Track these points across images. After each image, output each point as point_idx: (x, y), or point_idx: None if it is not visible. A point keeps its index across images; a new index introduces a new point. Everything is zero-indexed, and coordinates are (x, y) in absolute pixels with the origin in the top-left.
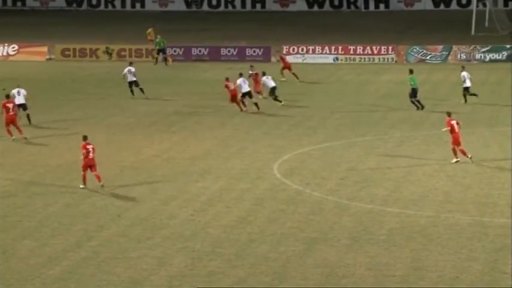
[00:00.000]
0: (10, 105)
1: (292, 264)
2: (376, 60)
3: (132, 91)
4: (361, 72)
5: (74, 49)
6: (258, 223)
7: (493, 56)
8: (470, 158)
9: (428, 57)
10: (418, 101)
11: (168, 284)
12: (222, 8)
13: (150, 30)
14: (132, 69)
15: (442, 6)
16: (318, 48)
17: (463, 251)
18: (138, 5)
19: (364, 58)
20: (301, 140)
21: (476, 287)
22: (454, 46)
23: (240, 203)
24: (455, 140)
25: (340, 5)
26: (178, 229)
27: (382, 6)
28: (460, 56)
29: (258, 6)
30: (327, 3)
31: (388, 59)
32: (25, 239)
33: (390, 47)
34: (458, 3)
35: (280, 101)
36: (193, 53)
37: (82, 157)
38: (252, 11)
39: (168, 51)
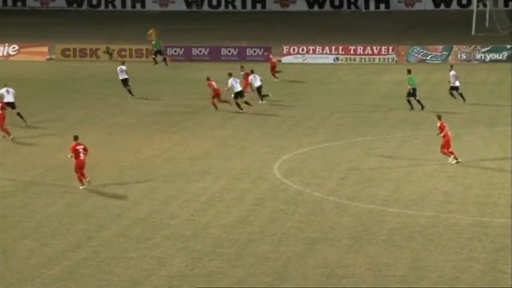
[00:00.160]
0: None
1: (293, 264)
2: (377, 61)
3: (129, 91)
4: (361, 73)
5: (74, 49)
6: (258, 223)
7: (493, 56)
8: (457, 160)
9: (428, 58)
10: (419, 101)
11: (168, 284)
12: (222, 8)
13: (151, 30)
14: (124, 67)
15: (442, 7)
16: (318, 48)
17: (463, 251)
18: (138, 5)
19: (365, 58)
20: (302, 140)
21: (477, 287)
22: (454, 46)
23: (241, 203)
24: (447, 143)
25: (341, 5)
26: (179, 229)
27: (382, 7)
28: (461, 56)
29: (259, 6)
30: (327, 3)
31: (388, 59)
32: (25, 239)
33: (390, 47)
34: (459, 3)
35: (264, 96)
36: (193, 53)
37: (72, 158)
38: (253, 11)
39: (168, 51)
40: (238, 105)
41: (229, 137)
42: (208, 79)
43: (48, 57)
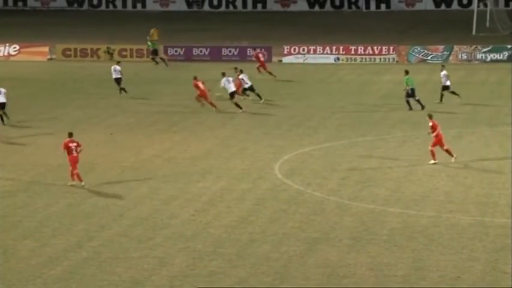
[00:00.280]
0: None
1: (294, 264)
2: (377, 61)
3: (123, 89)
4: (362, 73)
5: (75, 49)
6: (259, 223)
7: (494, 56)
8: (435, 163)
9: (429, 58)
10: (418, 101)
11: (169, 284)
12: (223, 8)
13: (152, 30)
14: (118, 67)
15: (443, 7)
16: (319, 48)
17: (464, 251)
18: (139, 5)
19: (365, 58)
20: (302, 140)
21: (478, 287)
22: (455, 46)
23: (241, 203)
24: (439, 141)
25: (341, 5)
26: (180, 229)
27: (383, 7)
28: (461, 56)
29: (259, 6)
30: (328, 3)
31: (389, 59)
32: (26, 239)
33: (391, 47)
34: (459, 3)
35: (248, 96)
36: (194, 53)
37: (63, 152)
38: (253, 11)
39: (168, 51)
40: (237, 104)
41: (229, 137)
42: (195, 78)
43: (49, 57)
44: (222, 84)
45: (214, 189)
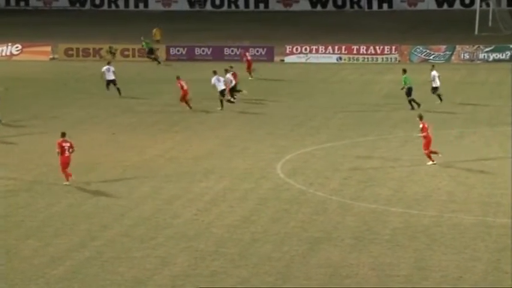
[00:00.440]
0: None
1: (296, 264)
2: (380, 60)
3: (108, 88)
4: (364, 72)
5: (77, 49)
6: (261, 223)
7: (496, 55)
8: (433, 163)
9: (431, 57)
10: (413, 100)
11: (171, 284)
12: (225, 7)
13: (155, 30)
14: (112, 68)
15: (445, 6)
16: (321, 48)
17: (467, 251)
18: (141, 5)
19: (368, 58)
20: (304, 140)
21: (480, 287)
22: (457, 46)
23: (244, 203)
24: (428, 143)
25: (344, 4)
26: (182, 229)
27: (385, 6)
28: (464, 56)
29: (261, 6)
30: (330, 3)
31: (391, 58)
32: (28, 239)
33: (393, 47)
34: (462, 3)
35: (237, 94)
36: (196, 53)
37: (57, 151)
38: (255, 11)
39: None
40: (229, 100)
41: (232, 137)
42: (178, 78)
43: (51, 56)
44: (212, 82)
45: (216, 189)
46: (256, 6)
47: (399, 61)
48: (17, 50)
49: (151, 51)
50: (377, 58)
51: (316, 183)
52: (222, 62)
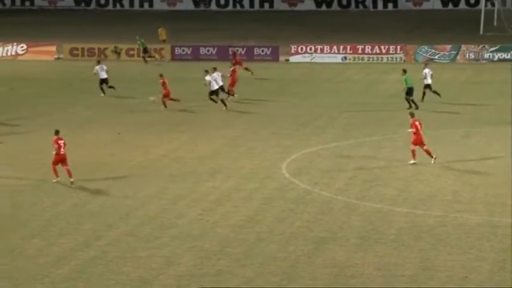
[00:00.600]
0: None
1: (301, 264)
2: (385, 60)
3: (102, 89)
4: (369, 72)
5: (83, 48)
6: (266, 222)
7: (501, 55)
8: (435, 158)
9: (436, 57)
10: (412, 100)
11: (176, 284)
12: (230, 7)
13: (160, 30)
14: (104, 66)
15: (450, 6)
16: (327, 48)
17: (472, 251)
18: (146, 5)
19: (373, 57)
20: (310, 139)
21: (485, 287)
22: (462, 45)
23: (249, 203)
24: (419, 141)
25: (349, 4)
26: (187, 228)
27: (390, 6)
28: (469, 56)
29: (266, 5)
30: (335, 2)
31: (396, 58)
32: (33, 238)
33: (398, 47)
34: (467, 2)
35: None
36: (201, 52)
37: (54, 152)
38: (260, 11)
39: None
40: (212, 99)
41: (237, 137)
42: (161, 76)
43: (56, 56)
44: (206, 80)
45: (221, 189)
46: (261, 5)
47: (404, 61)
48: (22, 50)
49: (145, 50)
50: (382, 58)
51: (321, 183)
52: (227, 61)
